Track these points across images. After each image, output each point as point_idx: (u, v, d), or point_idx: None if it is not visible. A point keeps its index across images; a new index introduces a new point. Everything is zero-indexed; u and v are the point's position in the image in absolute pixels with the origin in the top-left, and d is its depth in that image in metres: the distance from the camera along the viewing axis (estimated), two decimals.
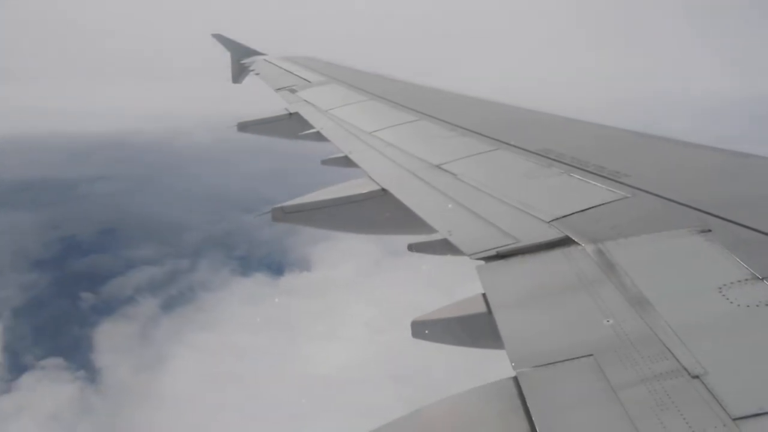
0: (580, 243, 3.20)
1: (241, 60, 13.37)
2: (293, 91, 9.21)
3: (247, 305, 36.13)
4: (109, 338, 33.73)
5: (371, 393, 26.31)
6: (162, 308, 37.10)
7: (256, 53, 13.58)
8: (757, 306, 2.41)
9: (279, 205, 4.93)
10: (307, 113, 7.73)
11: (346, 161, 5.77)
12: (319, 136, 6.84)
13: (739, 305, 2.44)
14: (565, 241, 3.27)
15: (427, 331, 3.15)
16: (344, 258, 38.54)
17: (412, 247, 4.01)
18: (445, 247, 3.71)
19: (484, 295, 2.99)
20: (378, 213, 4.77)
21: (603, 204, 3.59)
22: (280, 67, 11.56)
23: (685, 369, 2.16)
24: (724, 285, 2.57)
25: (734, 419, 1.92)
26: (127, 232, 45.90)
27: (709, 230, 3.03)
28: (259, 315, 34.43)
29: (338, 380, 27.53)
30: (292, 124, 7.74)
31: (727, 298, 2.50)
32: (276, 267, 40.86)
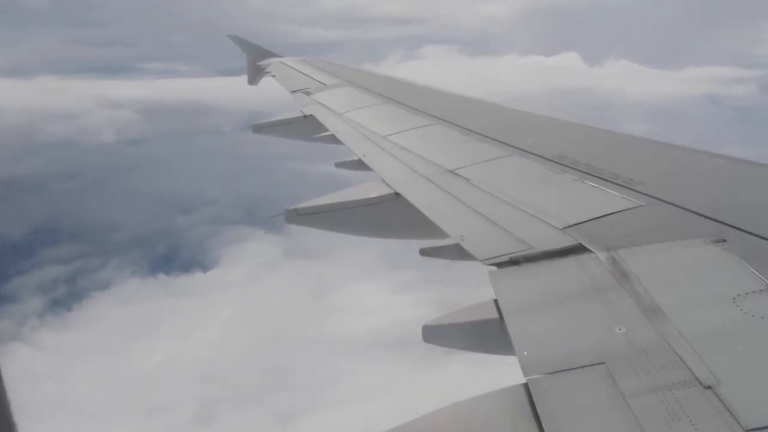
0: (593, 250, 3.19)
1: (257, 62, 13.43)
2: (308, 94, 9.26)
3: (127, 305, 36.26)
4: None
5: (173, 393, 26.57)
6: (45, 307, 36.88)
7: (272, 55, 13.63)
8: None
9: (292, 207, 4.95)
10: (321, 116, 7.76)
11: (360, 164, 5.78)
12: (333, 139, 6.87)
13: (753, 316, 2.43)
14: (578, 249, 3.26)
15: (438, 336, 3.14)
16: (245, 259, 39.27)
17: (424, 252, 4.01)
18: (457, 252, 3.70)
19: (495, 300, 2.98)
20: (391, 217, 4.78)
21: (617, 212, 3.58)
22: (296, 69, 11.60)
23: (698, 379, 2.15)
24: (739, 295, 2.56)
25: (747, 430, 1.91)
26: (51, 232, 45.63)
27: (724, 240, 3.01)
28: (130, 315, 34.56)
29: (151, 379, 27.65)
30: (306, 127, 7.78)
31: (741, 309, 2.48)
32: (181, 267, 41.10)
